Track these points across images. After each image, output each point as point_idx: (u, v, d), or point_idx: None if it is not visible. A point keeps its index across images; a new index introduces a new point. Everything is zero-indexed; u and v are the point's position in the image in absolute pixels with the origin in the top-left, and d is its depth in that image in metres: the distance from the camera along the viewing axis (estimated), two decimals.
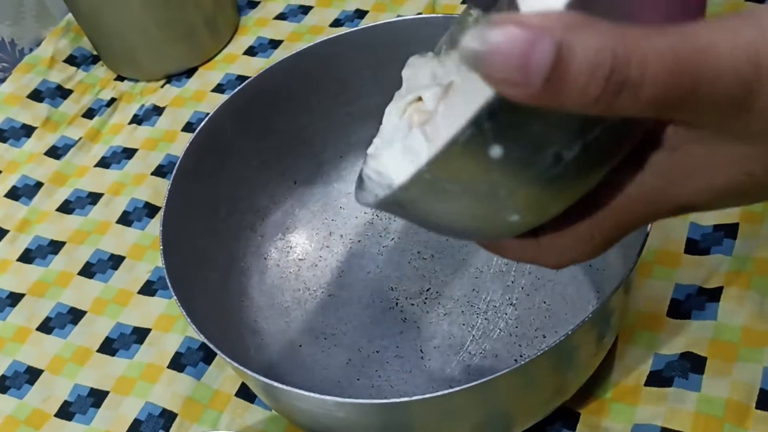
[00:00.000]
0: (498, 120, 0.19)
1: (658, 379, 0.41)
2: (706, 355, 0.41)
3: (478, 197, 0.21)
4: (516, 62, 0.17)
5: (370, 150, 0.26)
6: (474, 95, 0.22)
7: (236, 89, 0.44)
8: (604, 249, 0.23)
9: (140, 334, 0.49)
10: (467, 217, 0.22)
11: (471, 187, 0.21)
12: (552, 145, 0.20)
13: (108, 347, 0.49)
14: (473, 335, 0.44)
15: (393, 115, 0.26)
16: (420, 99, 0.25)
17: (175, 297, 0.36)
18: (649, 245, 0.39)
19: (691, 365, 0.40)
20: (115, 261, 0.52)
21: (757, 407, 0.38)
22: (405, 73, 0.27)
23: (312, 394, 0.32)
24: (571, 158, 0.20)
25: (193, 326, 0.35)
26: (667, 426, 0.39)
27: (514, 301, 0.44)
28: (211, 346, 0.35)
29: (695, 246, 0.45)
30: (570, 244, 0.23)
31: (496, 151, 0.19)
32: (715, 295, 0.43)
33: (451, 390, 0.32)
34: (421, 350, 0.44)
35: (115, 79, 0.64)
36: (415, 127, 0.24)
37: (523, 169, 0.20)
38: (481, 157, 0.19)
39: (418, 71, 0.27)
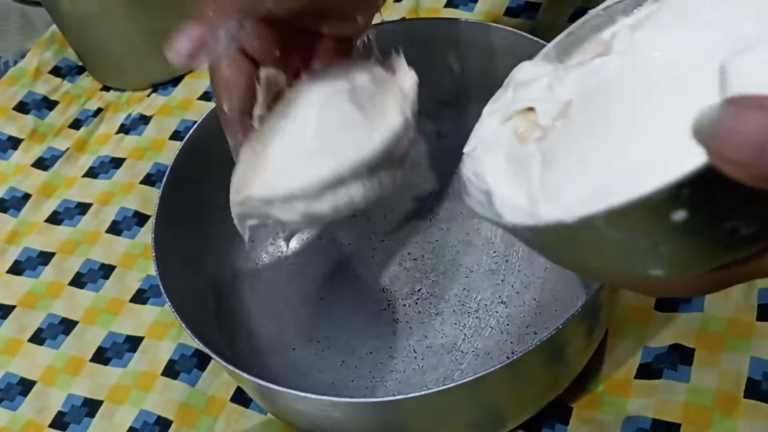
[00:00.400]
0: (698, 188, 0.18)
1: (647, 371, 0.41)
2: (694, 346, 0.41)
3: (635, 250, 0.20)
4: (753, 148, 0.16)
5: (466, 149, 0.26)
6: (598, 130, 0.21)
7: None
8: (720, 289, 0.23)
9: (133, 343, 0.49)
10: (611, 263, 0.22)
11: (633, 241, 0.20)
12: (735, 220, 0.19)
13: (101, 356, 0.49)
14: (465, 334, 0.44)
15: (494, 118, 0.26)
16: (531, 110, 0.24)
17: (169, 303, 0.37)
18: None
19: (680, 357, 0.41)
20: (106, 270, 0.53)
21: (746, 396, 0.39)
22: (516, 77, 0.26)
23: (308, 395, 0.32)
24: (746, 234, 0.20)
25: (188, 331, 0.36)
26: (658, 417, 0.39)
27: (505, 299, 0.45)
28: (206, 350, 0.35)
29: None
30: (695, 285, 0.23)
31: (679, 215, 0.19)
32: None
33: (444, 387, 0.32)
34: (414, 350, 0.44)
35: (101, 90, 0.64)
36: (530, 143, 0.23)
37: (696, 235, 0.20)
38: (662, 218, 0.19)
39: (530, 79, 0.26)
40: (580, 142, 0.23)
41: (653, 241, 0.20)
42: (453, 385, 0.32)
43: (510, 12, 0.60)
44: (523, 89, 0.26)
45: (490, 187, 0.24)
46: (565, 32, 0.27)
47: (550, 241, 0.22)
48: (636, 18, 0.25)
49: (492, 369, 0.32)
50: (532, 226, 0.21)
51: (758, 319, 0.41)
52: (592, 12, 0.27)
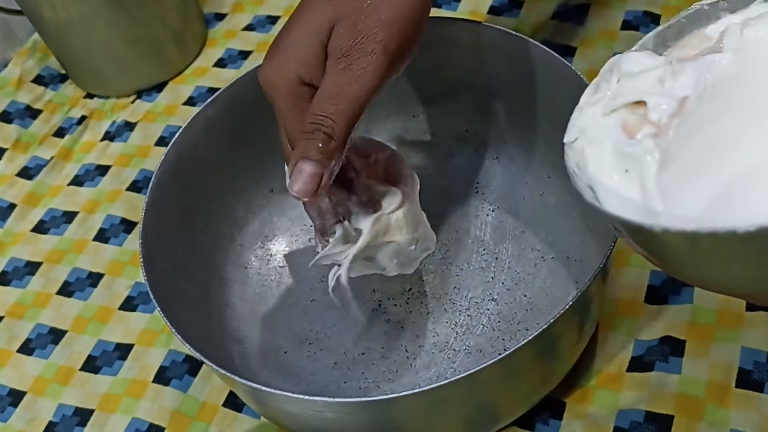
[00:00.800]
0: None
1: (639, 364, 0.41)
2: (685, 338, 0.42)
3: None
4: None
5: (566, 140, 0.25)
6: (721, 129, 0.21)
7: (209, 100, 0.44)
8: None
9: (123, 351, 0.48)
10: (755, 275, 0.21)
11: None
12: None
13: (91, 365, 0.48)
14: (457, 332, 0.44)
15: (596, 108, 0.25)
16: (640, 103, 0.24)
17: (158, 309, 0.36)
18: None
19: (671, 349, 0.41)
20: (94, 278, 0.52)
21: (737, 386, 0.39)
22: (623, 67, 0.25)
23: (301, 396, 0.32)
24: None
25: (179, 337, 0.35)
26: (651, 409, 0.40)
27: (496, 297, 0.45)
28: (198, 356, 0.35)
29: None
30: None
31: None
32: None
33: (438, 384, 0.32)
34: (406, 350, 0.44)
35: (85, 97, 0.63)
36: (642, 138, 0.23)
37: None
38: None
39: (639, 70, 0.25)
40: (702, 141, 0.22)
41: None
42: (446, 381, 0.32)
43: (493, 11, 0.60)
44: (631, 81, 0.25)
45: (594, 179, 0.23)
46: (666, 24, 0.27)
47: (689, 246, 0.21)
48: (744, 16, 0.25)
49: (485, 365, 0.32)
50: (678, 230, 0.20)
51: (747, 309, 0.42)
52: (696, 5, 0.26)
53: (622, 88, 0.25)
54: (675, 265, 0.23)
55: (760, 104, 0.22)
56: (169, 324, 0.36)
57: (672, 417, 0.39)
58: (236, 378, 0.33)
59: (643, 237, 0.22)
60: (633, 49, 0.26)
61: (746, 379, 0.39)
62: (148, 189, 0.41)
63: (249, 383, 0.33)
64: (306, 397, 0.32)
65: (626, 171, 0.23)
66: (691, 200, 0.21)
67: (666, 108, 0.23)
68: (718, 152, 0.22)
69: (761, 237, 0.19)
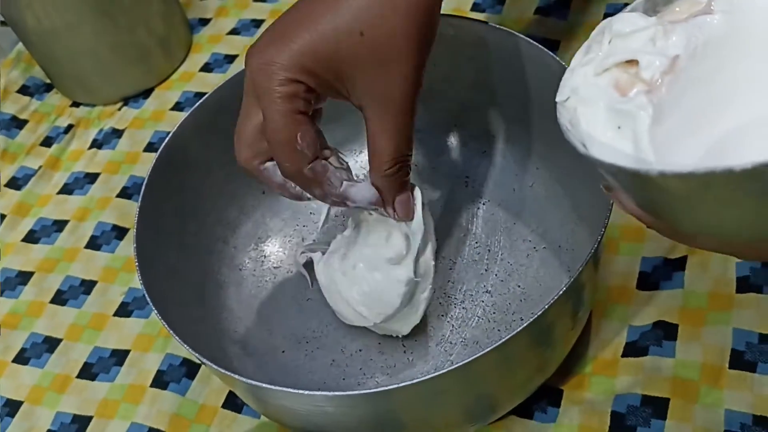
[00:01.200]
0: None
1: (634, 349, 0.42)
2: (677, 322, 0.42)
3: None
4: None
5: (558, 99, 0.25)
6: (714, 86, 0.21)
7: (197, 103, 0.44)
8: None
9: (119, 357, 0.48)
10: (748, 221, 0.21)
11: None
12: None
13: (87, 372, 0.48)
14: (452, 325, 0.44)
15: (588, 68, 0.25)
16: (632, 62, 0.24)
17: (155, 312, 0.36)
18: (613, 221, 0.40)
19: (664, 333, 0.42)
20: (87, 286, 0.52)
21: (730, 367, 0.40)
22: (615, 27, 0.25)
23: (302, 391, 0.32)
24: None
25: (178, 339, 0.35)
26: (647, 393, 0.40)
27: (490, 288, 0.45)
28: (197, 356, 0.35)
29: None
30: None
31: None
32: (680, 264, 0.44)
33: (436, 373, 0.32)
34: (402, 344, 0.44)
35: (71, 106, 0.63)
36: (634, 96, 0.23)
37: None
38: None
39: (630, 30, 0.25)
40: (695, 98, 0.22)
41: None
42: (445, 371, 0.32)
43: (476, 7, 0.61)
44: (623, 41, 0.25)
45: (587, 135, 0.23)
46: None
47: (685, 190, 0.21)
48: None
49: (481, 353, 0.32)
50: (675, 173, 0.20)
51: (737, 291, 0.42)
52: None
53: (614, 48, 0.25)
54: (669, 215, 0.23)
55: (750, 63, 0.23)
56: (167, 327, 0.36)
57: (668, 400, 0.40)
58: (237, 377, 0.34)
59: (638, 185, 0.22)
60: (627, 10, 0.27)
61: (739, 360, 0.40)
62: (141, 193, 0.41)
63: (250, 381, 0.33)
64: (306, 392, 0.33)
65: (619, 127, 0.23)
66: (684, 155, 0.22)
67: (659, 66, 0.23)
68: (711, 109, 0.22)
69: (757, 175, 0.19)
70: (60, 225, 0.56)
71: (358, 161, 0.50)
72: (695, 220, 0.22)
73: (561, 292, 0.34)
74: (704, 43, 0.24)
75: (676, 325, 0.42)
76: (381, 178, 0.35)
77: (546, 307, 0.33)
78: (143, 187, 0.41)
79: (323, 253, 0.44)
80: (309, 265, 0.46)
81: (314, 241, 0.49)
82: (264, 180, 0.36)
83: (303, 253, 0.47)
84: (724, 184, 0.20)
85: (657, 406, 0.40)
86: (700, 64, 0.23)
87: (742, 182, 0.19)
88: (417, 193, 0.38)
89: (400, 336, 0.43)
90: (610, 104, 0.24)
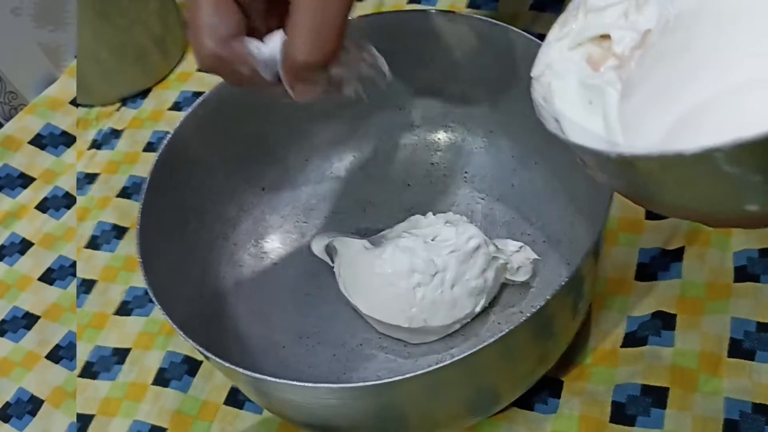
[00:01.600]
0: None
1: (633, 339, 0.42)
2: (676, 312, 0.42)
3: (742, 186, 0.20)
4: None
5: (533, 73, 0.25)
6: (680, 62, 0.21)
7: (197, 102, 0.44)
8: None
9: (120, 355, 0.49)
10: (704, 197, 0.21)
11: (744, 176, 0.19)
12: None
13: (89, 371, 0.48)
14: None
15: (563, 43, 0.25)
16: (605, 37, 0.24)
17: (159, 307, 0.37)
18: (611, 213, 0.40)
19: (663, 323, 0.42)
20: (87, 286, 0.52)
21: (729, 356, 0.40)
22: (589, 2, 0.25)
23: (306, 384, 0.33)
24: None
25: (183, 335, 0.35)
26: (647, 383, 0.40)
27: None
28: (202, 351, 0.35)
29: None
30: None
31: None
32: (677, 255, 0.44)
33: (438, 365, 0.33)
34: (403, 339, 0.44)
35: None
36: (605, 70, 0.23)
37: None
38: None
39: (604, 5, 0.25)
40: (662, 73, 0.22)
41: (765, 175, 0.19)
42: (447, 363, 0.32)
43: (471, 3, 0.61)
44: (597, 15, 0.25)
45: (560, 112, 0.23)
46: None
47: (645, 171, 0.21)
48: None
49: (483, 345, 0.33)
50: (632, 155, 0.20)
51: (735, 280, 0.43)
52: None
53: (588, 22, 0.25)
54: (633, 189, 0.23)
55: (718, 38, 0.22)
56: (172, 322, 0.36)
57: (667, 389, 0.40)
58: (241, 370, 0.34)
59: (603, 164, 0.22)
60: None
61: (738, 349, 0.40)
62: (142, 192, 0.41)
63: (253, 374, 0.34)
64: (310, 384, 0.33)
65: (590, 103, 0.23)
66: (649, 131, 0.22)
67: (629, 41, 0.23)
68: (676, 84, 0.22)
69: (706, 159, 0.19)
70: None
71: (359, 161, 0.51)
72: (658, 194, 0.23)
73: (561, 286, 0.34)
74: (676, 16, 0.24)
75: (675, 315, 0.42)
76: (286, 74, 0.33)
77: (547, 300, 0.34)
78: (146, 184, 0.41)
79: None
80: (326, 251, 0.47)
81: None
82: (241, 62, 0.33)
83: (322, 238, 0.47)
84: (677, 165, 0.20)
85: (657, 395, 0.40)
86: (670, 38, 0.23)
87: (694, 165, 0.20)
88: None
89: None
90: (582, 79, 0.24)
